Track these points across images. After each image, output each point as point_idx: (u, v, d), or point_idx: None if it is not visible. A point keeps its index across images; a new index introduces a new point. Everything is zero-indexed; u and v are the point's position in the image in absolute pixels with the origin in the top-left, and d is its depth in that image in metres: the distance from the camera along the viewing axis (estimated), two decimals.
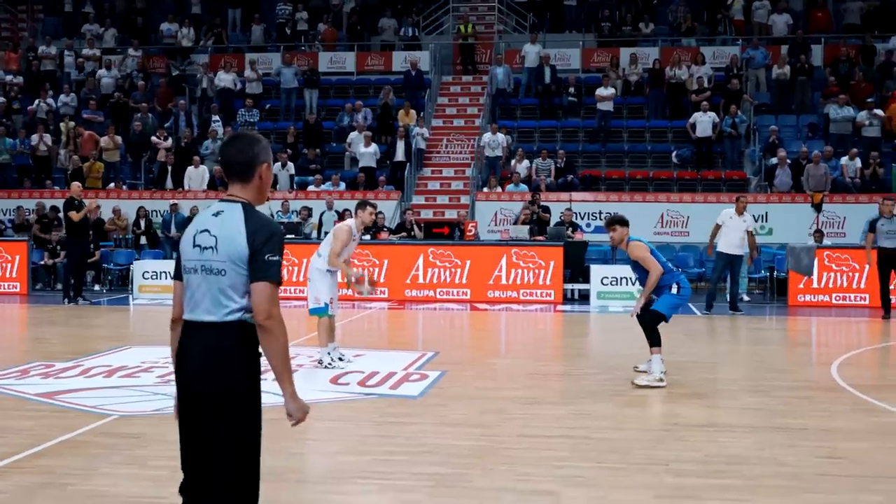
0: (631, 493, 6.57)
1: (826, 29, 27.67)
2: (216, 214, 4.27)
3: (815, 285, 19.17)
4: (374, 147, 24.33)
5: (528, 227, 20.78)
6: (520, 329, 16.78)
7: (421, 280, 19.56)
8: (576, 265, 20.05)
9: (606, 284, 19.23)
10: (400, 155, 24.55)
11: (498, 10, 30.36)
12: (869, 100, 23.98)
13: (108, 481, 6.68)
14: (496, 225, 22.58)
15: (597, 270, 19.62)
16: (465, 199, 24.00)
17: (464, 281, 19.47)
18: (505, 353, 14.28)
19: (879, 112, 23.62)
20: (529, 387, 10.44)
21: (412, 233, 21.25)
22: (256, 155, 4.32)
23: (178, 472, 6.73)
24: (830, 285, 19.19)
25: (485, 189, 23.65)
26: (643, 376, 10.37)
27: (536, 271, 19.37)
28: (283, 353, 4.18)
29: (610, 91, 25.38)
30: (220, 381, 4.17)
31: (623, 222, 10.56)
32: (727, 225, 17.22)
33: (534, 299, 19.25)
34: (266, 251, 4.14)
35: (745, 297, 19.95)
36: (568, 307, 19.03)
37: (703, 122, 23.72)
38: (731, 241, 17.37)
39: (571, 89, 26.31)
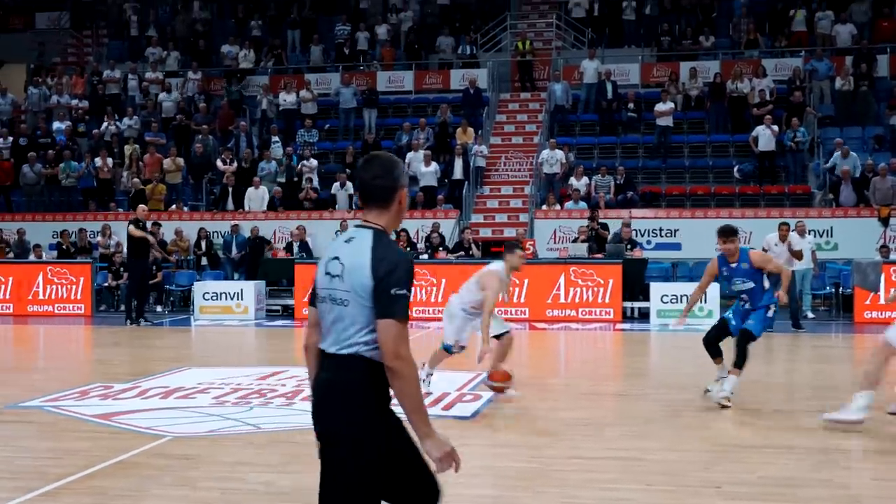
0: None
1: (892, 39, 27.22)
2: (348, 241, 4.08)
3: (881, 301, 18.80)
4: (433, 166, 24.43)
5: (586, 244, 20.71)
6: (577, 348, 16.73)
7: None
8: (635, 283, 19.93)
9: (666, 302, 19.02)
10: (458, 173, 24.61)
11: (556, 27, 30.35)
12: None
13: (159, 503, 6.79)
14: (555, 243, 22.53)
15: (657, 288, 19.45)
16: (523, 217, 23.98)
17: (522, 300, 19.43)
18: (561, 372, 14.24)
19: None
20: (584, 407, 10.42)
21: (470, 252, 21.28)
22: (396, 179, 4.13)
23: (227, 493, 6.90)
24: None
25: (543, 207, 23.63)
26: (721, 394, 10.12)
27: (595, 289, 19.30)
28: (414, 394, 3.96)
29: (669, 106, 25.23)
30: (333, 416, 4.05)
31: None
32: (773, 251, 16.85)
33: (593, 318, 19.18)
34: (391, 284, 3.88)
35: (810, 314, 19.67)
36: (627, 325, 18.92)
37: (765, 136, 23.45)
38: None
39: (630, 105, 26.21)
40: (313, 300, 4.22)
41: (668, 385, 11.91)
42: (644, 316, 19.71)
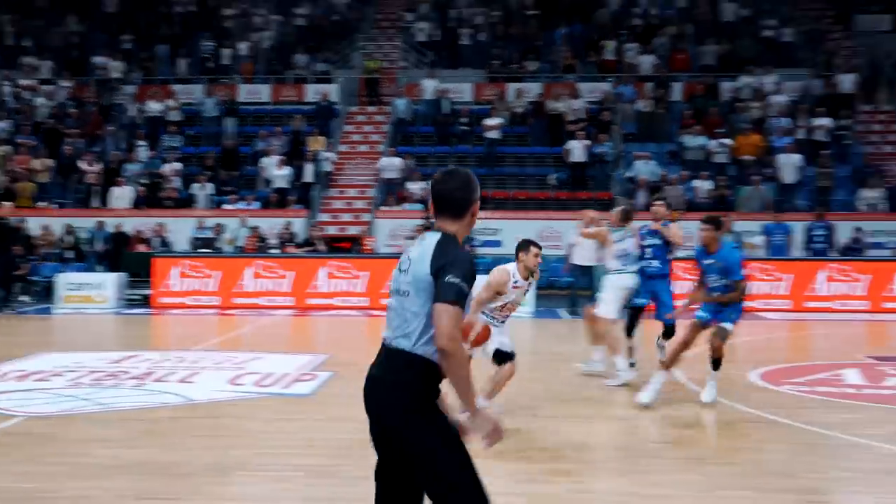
0: (490, 479, 6.63)
1: (685, 69, 28.35)
2: (420, 241, 3.99)
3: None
4: (286, 170, 24.16)
5: None
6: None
7: (323, 289, 19.44)
8: None
9: None
10: (308, 177, 24.42)
11: (401, 48, 30.47)
12: (718, 130, 24.66)
13: (4, 479, 6.52)
14: (393, 240, 22.59)
15: (479, 281, 19.58)
16: (366, 217, 23.96)
17: (362, 290, 19.40)
18: None
19: (727, 141, 24.28)
20: None
21: (317, 247, 21.17)
22: (472, 192, 4.00)
23: (74, 467, 6.67)
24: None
25: (383, 207, 23.68)
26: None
27: None
28: (464, 374, 3.78)
29: (497, 121, 25.60)
30: (381, 402, 3.92)
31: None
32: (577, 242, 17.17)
33: None
34: (448, 272, 3.74)
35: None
36: None
37: (578, 149, 24.06)
38: (583, 254, 17.36)
39: (464, 119, 26.46)
40: None
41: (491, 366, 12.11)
42: None
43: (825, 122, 24.85)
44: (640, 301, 10.76)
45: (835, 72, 27.57)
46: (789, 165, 23.28)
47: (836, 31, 30.00)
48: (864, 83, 27.33)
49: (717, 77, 27.50)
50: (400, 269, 3.99)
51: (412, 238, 20.96)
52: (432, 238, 3.92)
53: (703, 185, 23.11)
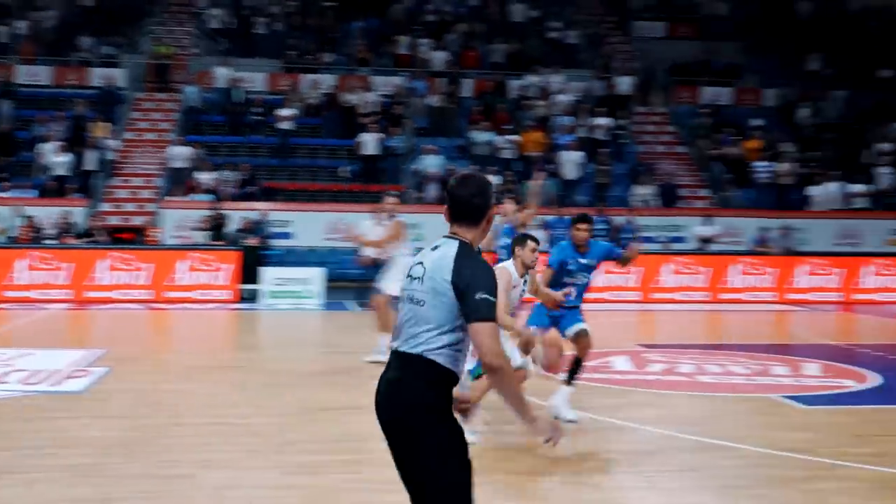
0: (261, 472, 6.57)
1: (476, 66, 28.96)
2: (434, 249, 3.90)
3: None
4: (66, 156, 22.91)
5: (208, 232, 20.26)
6: (193, 327, 16.25)
7: (103, 282, 18.55)
8: (253, 268, 19.70)
9: (278, 285, 19.02)
10: (90, 164, 23.23)
11: (193, 35, 29.55)
12: (506, 127, 25.36)
13: None
14: (179, 231, 21.84)
15: (268, 272, 19.33)
16: (151, 207, 23.06)
17: (146, 282, 18.66)
18: (173, 349, 13.80)
19: (514, 137, 25.02)
20: (189, 380, 10.17)
21: (97, 237, 20.21)
22: (489, 199, 3.95)
23: None
24: None
25: (169, 198, 22.90)
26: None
27: (215, 273, 18.91)
28: (513, 386, 3.80)
29: (291, 112, 25.29)
30: (394, 411, 3.84)
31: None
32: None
33: (211, 299, 18.75)
34: (477, 289, 3.70)
35: None
36: (244, 306, 18.68)
37: (370, 142, 24.13)
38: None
39: (257, 109, 25.98)
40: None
41: (273, 358, 11.98)
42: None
43: (605, 121, 26.07)
44: None
45: (613, 74, 28.95)
46: (571, 162, 24.26)
47: (616, 36, 31.48)
48: (640, 86, 28.85)
49: (506, 75, 28.27)
50: (412, 277, 3.92)
51: (201, 229, 20.42)
52: (449, 247, 3.86)
53: (491, 180, 23.63)
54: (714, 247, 21.80)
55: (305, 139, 26.04)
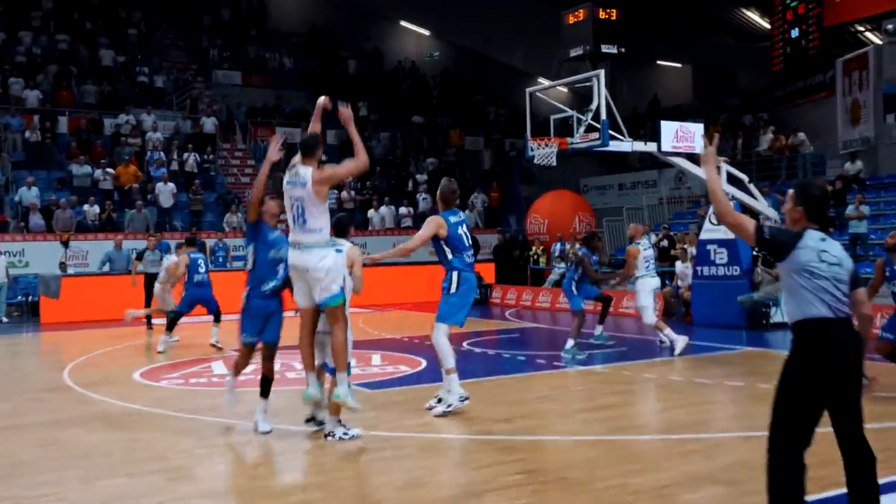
0: None
1: (70, 104, 26.86)
2: (827, 240, 4.35)
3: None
4: None
5: None
6: None
7: None
8: None
9: None
10: None
11: None
12: (103, 161, 23.87)
13: None
14: None
15: None
16: None
17: None
18: None
19: (111, 170, 23.64)
20: None
21: None
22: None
23: None
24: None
25: None
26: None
27: None
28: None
29: None
30: (857, 355, 4.31)
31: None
32: None
33: None
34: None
35: (5, 319, 18.48)
36: None
37: None
38: None
39: None
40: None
41: None
42: None
43: (194, 156, 25.53)
44: None
45: (199, 115, 28.46)
46: (166, 192, 23.43)
47: (199, 82, 30.94)
48: (223, 126, 28.65)
49: (101, 113, 26.58)
50: (830, 264, 4.29)
51: None
52: (835, 242, 4.37)
53: (92, 209, 22.20)
54: None
55: None
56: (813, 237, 4.34)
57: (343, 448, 6.93)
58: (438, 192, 8.39)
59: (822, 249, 4.32)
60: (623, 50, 15.70)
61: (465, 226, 8.24)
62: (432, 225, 8.08)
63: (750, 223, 4.44)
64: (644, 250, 12.41)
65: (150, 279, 16.74)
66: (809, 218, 4.41)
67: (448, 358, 8.12)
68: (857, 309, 4.43)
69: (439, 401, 8.21)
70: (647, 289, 12.27)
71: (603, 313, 13.59)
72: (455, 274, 8.10)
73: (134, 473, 6.34)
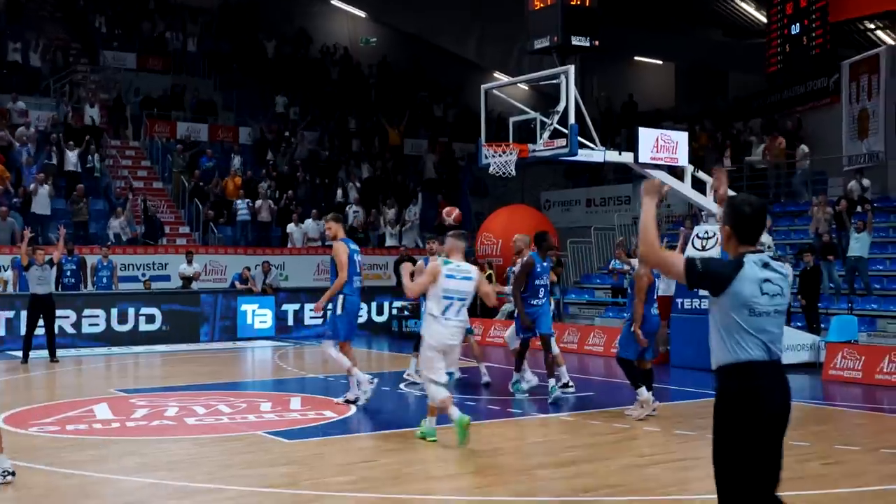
0: None
1: None
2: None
3: None
4: None
5: None
6: None
7: None
8: None
9: None
10: None
11: None
12: None
13: None
14: None
15: None
16: None
17: None
18: None
19: None
20: None
21: None
22: None
23: None
24: None
25: None
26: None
27: None
28: None
29: None
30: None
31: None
32: None
33: None
34: None
35: None
36: None
37: None
38: None
39: None
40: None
41: None
42: None
43: (75, 152, 25.16)
44: None
45: (83, 103, 28.16)
46: (41, 196, 23.00)
47: (83, 64, 30.63)
48: (112, 117, 28.41)
49: None
50: (772, 296, 4.37)
51: None
52: (777, 264, 4.47)
53: None
54: (195, 285, 22.10)
55: None
56: (752, 266, 4.38)
57: None
58: (337, 220, 11.53)
59: (764, 279, 4.39)
60: (597, 43, 16.01)
61: (358, 254, 11.49)
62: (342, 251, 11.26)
63: (678, 259, 4.46)
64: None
65: (42, 301, 16.67)
66: (739, 239, 4.48)
67: (343, 361, 11.38)
68: None
69: (347, 401, 11.59)
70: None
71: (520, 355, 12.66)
72: (341, 297, 11.24)
73: None
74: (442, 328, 9.32)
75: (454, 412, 9.13)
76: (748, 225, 4.48)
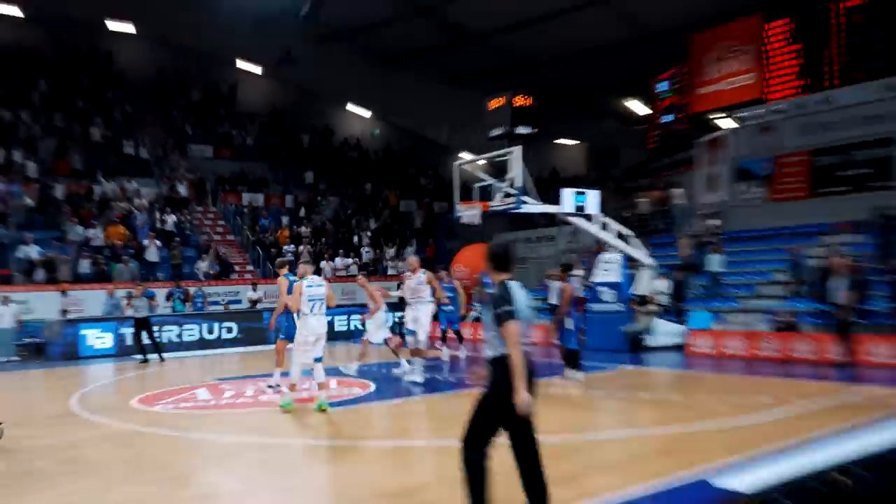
0: None
1: (65, 173, 26.41)
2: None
3: None
4: None
5: None
6: None
7: None
8: None
9: None
10: None
11: None
12: (94, 221, 23.61)
13: None
14: None
15: None
16: None
17: None
18: None
19: (100, 230, 23.39)
20: None
21: None
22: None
23: None
24: None
25: None
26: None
27: None
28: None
29: None
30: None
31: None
32: None
33: None
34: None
35: (16, 358, 18.03)
36: None
37: None
38: None
39: None
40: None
41: None
42: None
43: (172, 217, 25.48)
44: None
45: (176, 182, 28.44)
46: (153, 248, 23.31)
47: (175, 154, 30.91)
48: (196, 191, 28.69)
49: (92, 181, 26.34)
50: (528, 308, 4.35)
51: None
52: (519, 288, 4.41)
53: (85, 262, 21.99)
54: (259, 306, 22.33)
55: None
56: (514, 287, 4.34)
57: (316, 454, 7.24)
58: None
59: (522, 297, 4.36)
60: (536, 130, 16.34)
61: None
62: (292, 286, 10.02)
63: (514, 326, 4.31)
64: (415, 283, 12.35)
65: (140, 324, 16.76)
66: (497, 270, 4.45)
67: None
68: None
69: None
70: (425, 314, 12.36)
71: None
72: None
73: (141, 482, 6.31)
74: (314, 321, 9.43)
75: (321, 394, 9.31)
76: (498, 259, 4.50)
